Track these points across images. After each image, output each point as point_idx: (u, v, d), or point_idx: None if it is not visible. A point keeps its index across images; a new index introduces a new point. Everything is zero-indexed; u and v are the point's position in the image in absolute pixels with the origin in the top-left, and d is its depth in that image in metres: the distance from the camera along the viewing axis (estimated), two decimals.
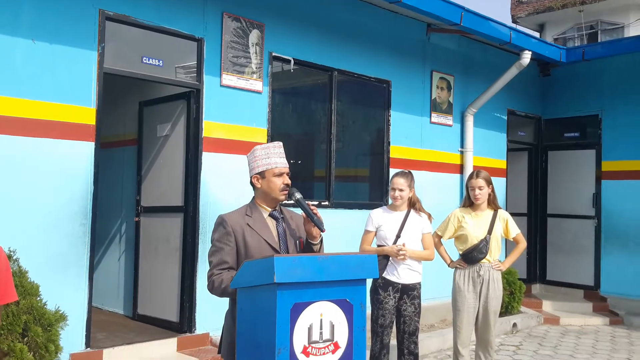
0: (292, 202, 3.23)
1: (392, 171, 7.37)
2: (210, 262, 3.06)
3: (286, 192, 3.12)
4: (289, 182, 3.13)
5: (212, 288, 3.00)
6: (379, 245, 4.84)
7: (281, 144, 3.23)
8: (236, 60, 6.01)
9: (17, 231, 4.61)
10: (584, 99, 9.80)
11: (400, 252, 4.67)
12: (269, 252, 3.02)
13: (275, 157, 3.13)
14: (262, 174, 3.13)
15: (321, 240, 3.12)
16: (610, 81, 9.53)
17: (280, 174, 3.11)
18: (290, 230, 3.17)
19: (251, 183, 3.19)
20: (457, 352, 5.20)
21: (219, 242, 3.05)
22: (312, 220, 3.02)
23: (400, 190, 4.78)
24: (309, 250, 3.10)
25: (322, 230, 3.04)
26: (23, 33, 4.72)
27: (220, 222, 3.09)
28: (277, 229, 3.13)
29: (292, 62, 6.53)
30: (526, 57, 8.15)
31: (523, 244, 5.39)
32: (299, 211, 3.21)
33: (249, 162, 3.20)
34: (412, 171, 5.02)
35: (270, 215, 3.16)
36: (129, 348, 5.30)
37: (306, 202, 3.07)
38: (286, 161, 3.17)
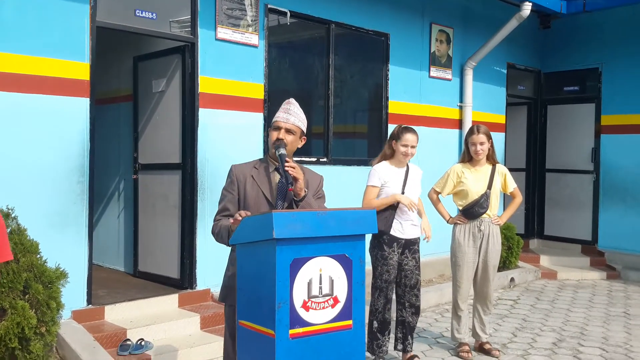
0: (312, 160, 3.22)
1: (391, 127, 7.33)
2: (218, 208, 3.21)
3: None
4: (282, 137, 3.16)
5: (213, 232, 3.16)
6: None
7: (293, 100, 3.30)
8: (231, 12, 5.88)
9: (14, 189, 4.58)
10: (584, 51, 9.67)
11: (413, 205, 4.70)
12: (264, 204, 3.10)
13: (281, 112, 3.24)
14: (271, 127, 3.26)
15: (303, 198, 3.11)
16: (611, 33, 9.39)
17: (278, 128, 3.18)
18: None
19: None
20: (457, 306, 5.26)
21: (225, 190, 3.19)
22: (282, 174, 3.08)
23: (413, 147, 4.76)
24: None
25: (287, 186, 3.05)
26: None
27: (229, 172, 3.23)
28: (277, 183, 3.17)
29: (289, 14, 6.40)
30: (526, 8, 7.99)
31: (519, 199, 5.41)
32: (315, 169, 3.25)
33: None
34: None
35: (276, 169, 3.21)
36: (131, 304, 5.34)
37: (286, 159, 3.09)
38: (290, 117, 3.20)
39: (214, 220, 3.18)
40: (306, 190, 3.11)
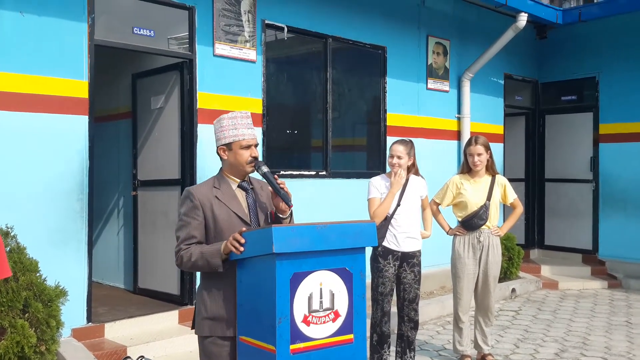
0: (288, 173, 3.17)
1: (390, 139, 7.35)
2: (177, 237, 2.92)
3: (253, 164, 2.99)
4: (257, 154, 3.00)
5: (181, 263, 2.89)
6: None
7: (249, 113, 3.08)
8: (228, 28, 5.92)
9: (13, 207, 4.58)
10: (581, 61, 9.71)
11: (396, 172, 4.66)
12: (239, 224, 2.90)
13: (242, 128, 2.97)
14: (228, 146, 2.98)
15: (290, 214, 3.03)
16: (607, 42, 9.43)
17: (248, 146, 2.97)
18: (260, 202, 3.06)
19: (218, 154, 3.05)
20: (458, 318, 5.24)
21: (187, 216, 2.91)
22: (279, 194, 2.92)
23: (399, 157, 4.70)
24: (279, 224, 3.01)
25: (289, 206, 2.94)
26: (10, 5, 4.62)
27: (187, 196, 2.94)
28: (246, 201, 3.02)
29: (286, 29, 6.43)
30: (522, 19, 8.04)
31: (520, 209, 5.40)
32: (295, 182, 3.15)
33: (215, 131, 3.05)
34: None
35: (239, 186, 3.03)
36: (131, 321, 5.32)
37: (274, 175, 2.96)
38: (254, 132, 3.03)
39: (179, 250, 2.88)
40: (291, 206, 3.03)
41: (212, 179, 3.04)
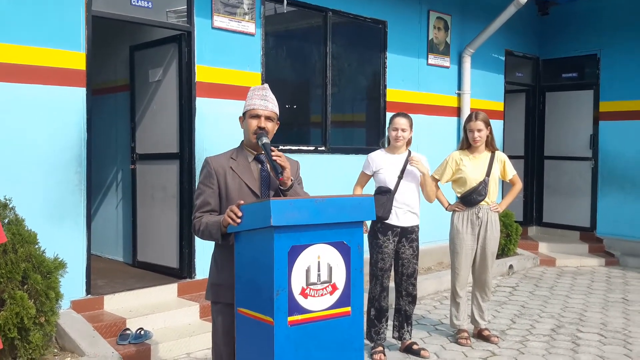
0: (287, 148, 3.17)
1: (389, 115, 7.32)
2: (195, 205, 3.06)
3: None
4: (264, 125, 3.03)
5: (195, 231, 3.03)
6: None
7: (266, 86, 3.14)
8: (227, 1, 5.85)
9: (11, 179, 4.57)
10: (583, 38, 9.64)
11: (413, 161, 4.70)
12: (249, 195, 2.98)
13: (256, 98, 3.08)
14: (244, 115, 3.12)
15: (290, 187, 3.02)
16: (609, 19, 9.35)
17: (257, 116, 3.04)
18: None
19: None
20: (455, 293, 5.26)
21: (203, 184, 3.04)
22: (270, 164, 2.95)
23: (403, 130, 4.72)
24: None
25: (277, 177, 2.94)
26: None
27: (205, 165, 3.07)
28: (260, 174, 3.07)
29: (285, 2, 6.35)
30: None
31: (519, 186, 5.40)
32: (293, 157, 3.15)
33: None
34: None
35: (256, 158, 3.10)
36: (130, 294, 5.34)
37: (271, 147, 2.97)
38: (268, 104, 3.07)
39: (194, 218, 3.02)
40: (292, 178, 3.04)
41: (232, 150, 3.15)
